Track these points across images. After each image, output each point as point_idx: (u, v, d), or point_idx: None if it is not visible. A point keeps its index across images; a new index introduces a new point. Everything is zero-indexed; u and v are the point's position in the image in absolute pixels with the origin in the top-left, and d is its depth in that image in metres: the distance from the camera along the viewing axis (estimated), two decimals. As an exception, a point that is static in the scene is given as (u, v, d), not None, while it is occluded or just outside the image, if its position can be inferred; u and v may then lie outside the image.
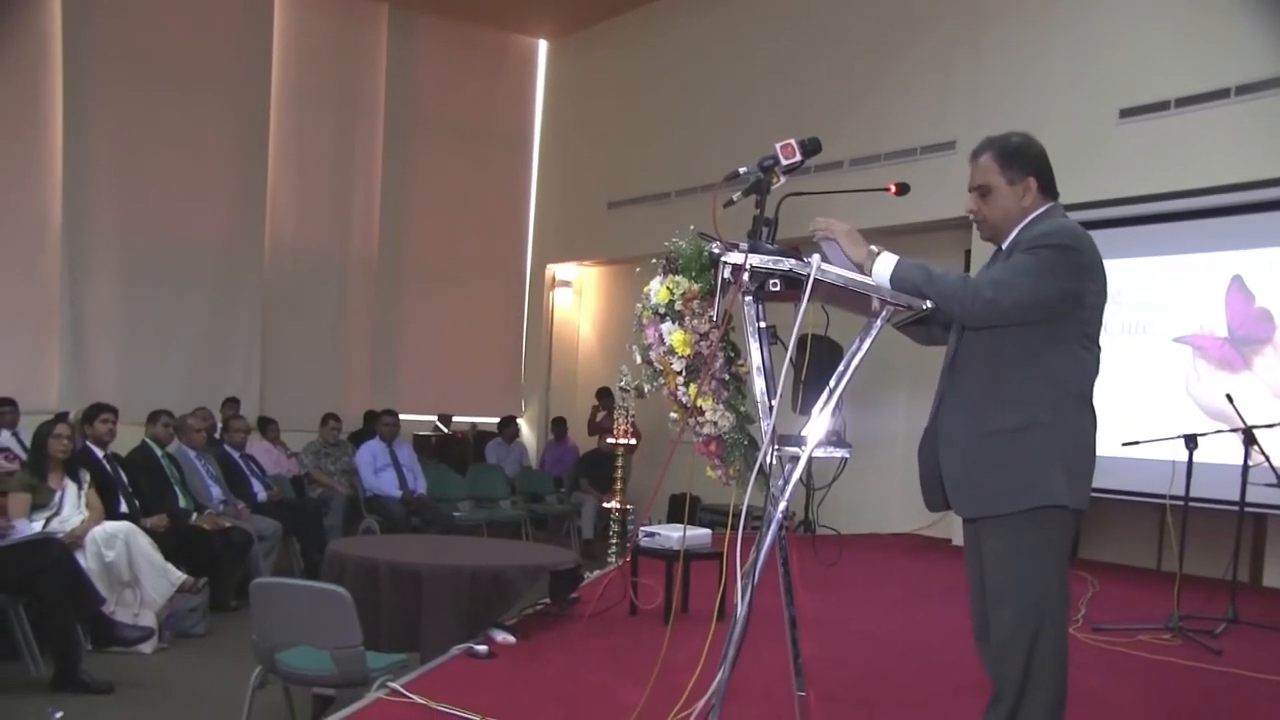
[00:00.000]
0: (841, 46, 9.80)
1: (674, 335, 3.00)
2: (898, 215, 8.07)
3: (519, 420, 12.85)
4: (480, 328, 13.13)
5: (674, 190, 11.23)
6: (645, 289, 3.11)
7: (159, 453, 7.43)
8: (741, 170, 3.00)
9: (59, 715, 4.40)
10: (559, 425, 12.20)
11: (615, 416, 7.16)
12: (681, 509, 9.58)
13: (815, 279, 2.82)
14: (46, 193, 10.34)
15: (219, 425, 9.09)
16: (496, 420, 12.29)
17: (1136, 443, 5.90)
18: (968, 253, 8.34)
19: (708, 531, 5.86)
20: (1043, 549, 2.85)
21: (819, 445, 2.92)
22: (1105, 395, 2.97)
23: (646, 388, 3.20)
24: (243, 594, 6.24)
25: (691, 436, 3.12)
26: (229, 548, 7.11)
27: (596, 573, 6.53)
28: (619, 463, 7.08)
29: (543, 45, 13.53)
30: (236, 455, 8.47)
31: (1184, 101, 7.33)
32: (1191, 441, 5.56)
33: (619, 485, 7.05)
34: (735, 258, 2.89)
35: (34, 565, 5.33)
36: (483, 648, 4.55)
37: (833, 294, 2.93)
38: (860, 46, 9.63)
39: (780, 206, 3.02)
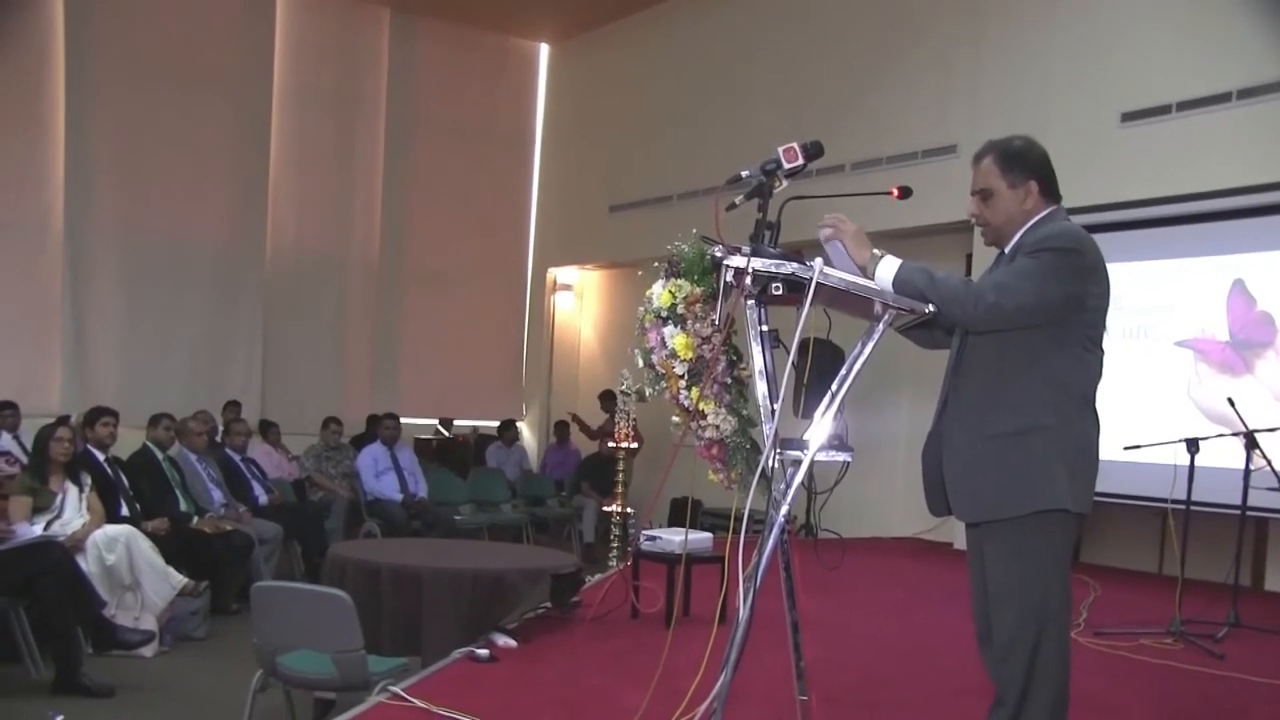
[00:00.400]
0: (842, 50, 9.80)
1: (676, 339, 3.00)
2: (899, 219, 8.04)
3: (520, 424, 12.84)
4: (481, 331, 13.12)
5: (675, 193, 11.23)
6: (648, 292, 3.11)
7: (160, 456, 7.43)
8: (744, 174, 3.00)
9: (59, 719, 4.40)
10: (561, 429, 12.20)
11: (616, 420, 7.16)
12: (683, 512, 9.60)
13: (818, 283, 2.82)
14: (48, 195, 10.34)
15: (220, 428, 9.09)
16: (497, 424, 12.28)
17: (1138, 446, 5.90)
18: (969, 256, 8.34)
19: (709, 535, 5.85)
20: (1045, 553, 2.85)
21: (821, 449, 2.92)
22: (1107, 399, 2.97)
23: (649, 391, 3.20)
24: (243, 597, 6.21)
25: (694, 440, 3.12)
26: (230, 551, 7.11)
27: (598, 576, 6.53)
28: (620, 466, 7.07)
29: (544, 48, 13.54)
30: (238, 458, 8.47)
31: (1185, 105, 7.32)
32: (1193, 445, 5.55)
33: (620, 489, 7.04)
34: (738, 261, 2.88)
35: (35, 568, 5.32)
36: (484, 651, 4.55)
37: (835, 298, 2.93)
38: (861, 50, 9.64)
39: (783, 210, 3.02)
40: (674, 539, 5.46)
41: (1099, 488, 2.93)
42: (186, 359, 11.00)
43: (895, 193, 3.19)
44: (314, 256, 11.92)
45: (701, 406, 3.02)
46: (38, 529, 5.79)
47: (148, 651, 5.81)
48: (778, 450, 2.91)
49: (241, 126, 11.35)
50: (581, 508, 10.75)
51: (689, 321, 3.00)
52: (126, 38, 10.63)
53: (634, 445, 7.14)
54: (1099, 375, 2.92)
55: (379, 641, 4.48)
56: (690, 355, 3.00)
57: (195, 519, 7.24)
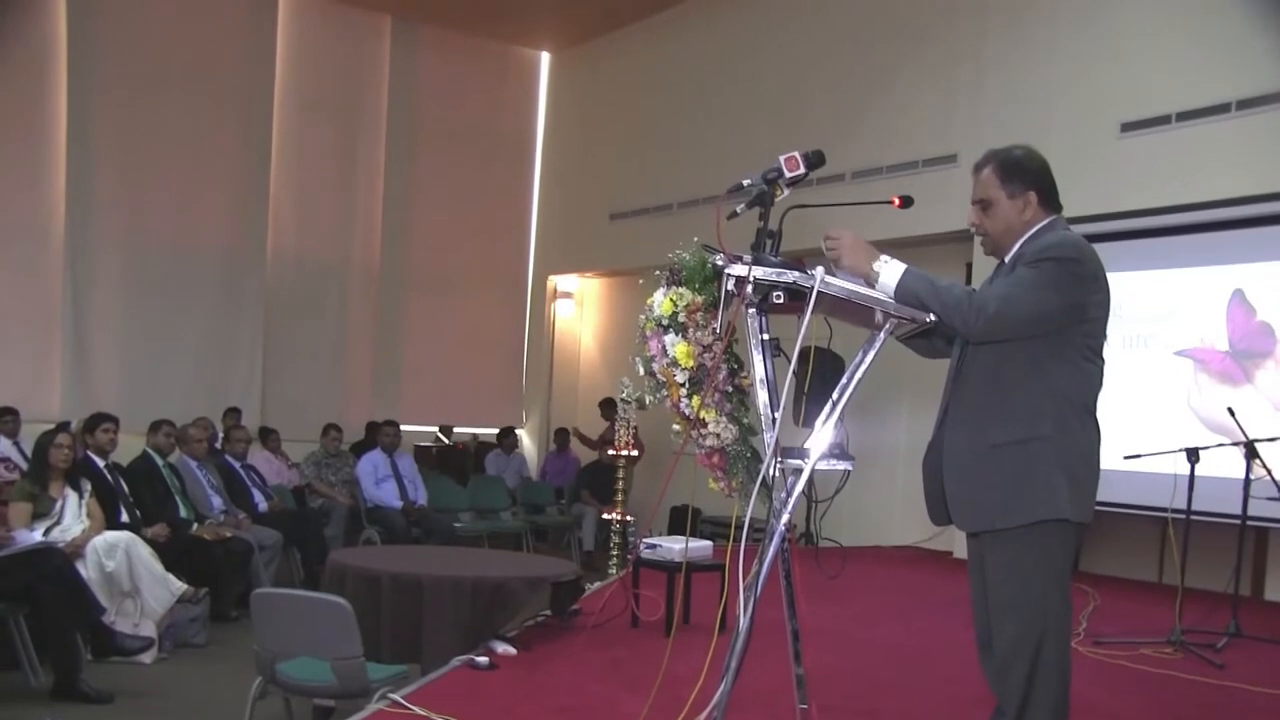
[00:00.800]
0: (843, 59, 9.82)
1: (677, 347, 3.00)
2: (899, 228, 8.10)
3: (520, 431, 12.84)
4: (481, 338, 13.13)
5: (676, 202, 11.25)
6: (649, 300, 3.11)
7: (160, 462, 7.43)
8: (745, 182, 3.01)
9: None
10: (561, 436, 12.20)
11: (617, 428, 7.16)
12: (682, 520, 9.60)
13: (819, 291, 2.83)
14: (49, 201, 10.36)
15: (220, 435, 9.09)
16: (497, 431, 12.28)
17: (1138, 456, 5.90)
18: (969, 265, 8.35)
19: (709, 543, 5.85)
20: (1045, 562, 2.85)
21: (822, 458, 2.93)
22: (1107, 408, 2.97)
23: (649, 399, 3.20)
24: (243, 604, 6.23)
25: (694, 449, 3.12)
26: (230, 558, 7.11)
27: (598, 584, 6.52)
28: (620, 474, 7.07)
29: (545, 57, 13.57)
30: (237, 465, 8.48)
31: (1185, 115, 7.34)
32: (1193, 455, 5.55)
33: (620, 497, 7.04)
34: (739, 270, 2.89)
35: (34, 574, 5.32)
36: (484, 659, 4.54)
37: (836, 306, 2.93)
38: (862, 59, 9.65)
39: (784, 219, 3.02)
40: (674, 547, 5.46)
41: (1099, 497, 2.93)
42: (187, 365, 11.00)
43: (897, 202, 3.20)
44: (315, 263, 11.93)
45: (702, 415, 3.02)
46: (37, 535, 5.80)
47: (147, 658, 5.81)
48: (779, 459, 2.91)
49: (243, 133, 11.37)
50: (581, 515, 10.75)
51: (690, 330, 3.00)
52: (128, 44, 10.65)
53: (634, 453, 7.14)
54: (1099, 385, 2.93)
55: (378, 649, 4.47)
56: (691, 363, 3.00)
57: (195, 525, 7.24)
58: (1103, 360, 2.94)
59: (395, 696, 3.90)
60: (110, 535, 6.08)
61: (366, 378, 12.32)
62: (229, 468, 8.31)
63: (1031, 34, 8.31)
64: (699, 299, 3.02)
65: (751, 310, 2.97)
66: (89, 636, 5.55)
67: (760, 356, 2.98)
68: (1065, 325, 2.84)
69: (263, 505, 8.29)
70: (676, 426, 3.13)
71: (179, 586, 6.10)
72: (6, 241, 10.16)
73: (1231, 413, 5.67)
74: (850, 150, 9.10)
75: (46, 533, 5.86)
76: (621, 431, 7.08)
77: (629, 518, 7.07)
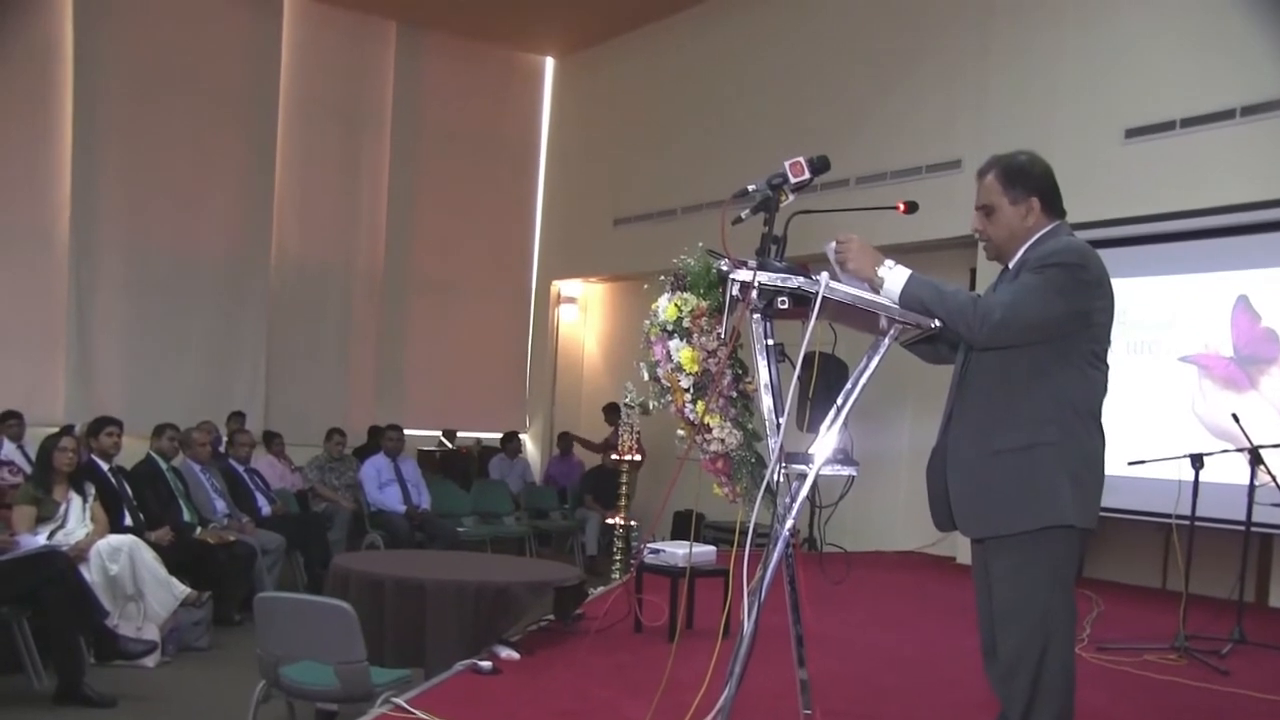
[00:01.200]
0: (847, 64, 9.83)
1: (682, 352, 3.01)
2: (903, 233, 8.07)
3: (523, 436, 12.85)
4: (485, 343, 13.13)
5: (679, 207, 11.26)
6: (653, 305, 3.11)
7: (164, 466, 7.44)
8: (750, 188, 3.01)
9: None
10: (564, 440, 12.20)
11: (620, 433, 7.16)
12: (685, 525, 9.60)
13: (823, 297, 2.83)
14: (54, 204, 10.37)
15: (224, 439, 9.10)
16: (500, 435, 12.28)
17: (1142, 461, 5.89)
18: (973, 271, 8.34)
19: (712, 549, 5.85)
20: (1049, 568, 2.85)
21: (827, 463, 2.93)
22: (1111, 414, 2.97)
23: (653, 404, 3.20)
24: (246, 608, 6.23)
25: (698, 454, 3.12)
26: (233, 561, 7.12)
27: (601, 589, 6.52)
28: (624, 479, 7.07)
29: (549, 62, 13.58)
30: (241, 469, 8.48)
31: (1190, 121, 7.33)
32: (1197, 461, 5.54)
33: (623, 502, 7.04)
34: (744, 275, 2.89)
35: (38, 578, 5.33)
36: (487, 664, 4.54)
37: (841, 312, 2.93)
38: (866, 64, 9.66)
39: (789, 224, 3.02)
40: (678, 552, 5.45)
41: (1103, 503, 2.93)
42: (191, 369, 11.02)
43: (901, 207, 3.20)
44: (319, 268, 11.95)
45: (707, 420, 3.02)
46: (41, 539, 5.80)
47: (150, 662, 5.82)
48: (783, 464, 2.91)
49: (247, 138, 11.39)
50: (584, 520, 10.75)
51: (695, 335, 3.01)
52: (133, 49, 10.67)
53: (638, 458, 7.14)
54: (1104, 391, 2.92)
55: (382, 653, 4.47)
56: (696, 369, 3.01)
57: (198, 529, 7.26)
58: (1107, 366, 2.94)
59: (398, 701, 3.89)
60: (114, 539, 6.08)
61: (370, 382, 12.33)
62: (233, 471, 8.32)
63: (1036, 40, 8.31)
64: (704, 304, 3.03)
65: (756, 315, 2.98)
66: (92, 640, 5.55)
67: (765, 362, 2.98)
68: (1070, 331, 2.84)
69: (266, 509, 8.30)
70: (681, 432, 3.14)
71: (182, 590, 6.11)
72: (11, 245, 10.17)
73: (1236, 419, 5.67)
74: (854, 155, 9.10)
75: (50, 536, 5.87)
76: (625, 436, 7.08)
77: (632, 522, 7.07)
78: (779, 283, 2.87)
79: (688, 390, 3.03)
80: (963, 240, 7.60)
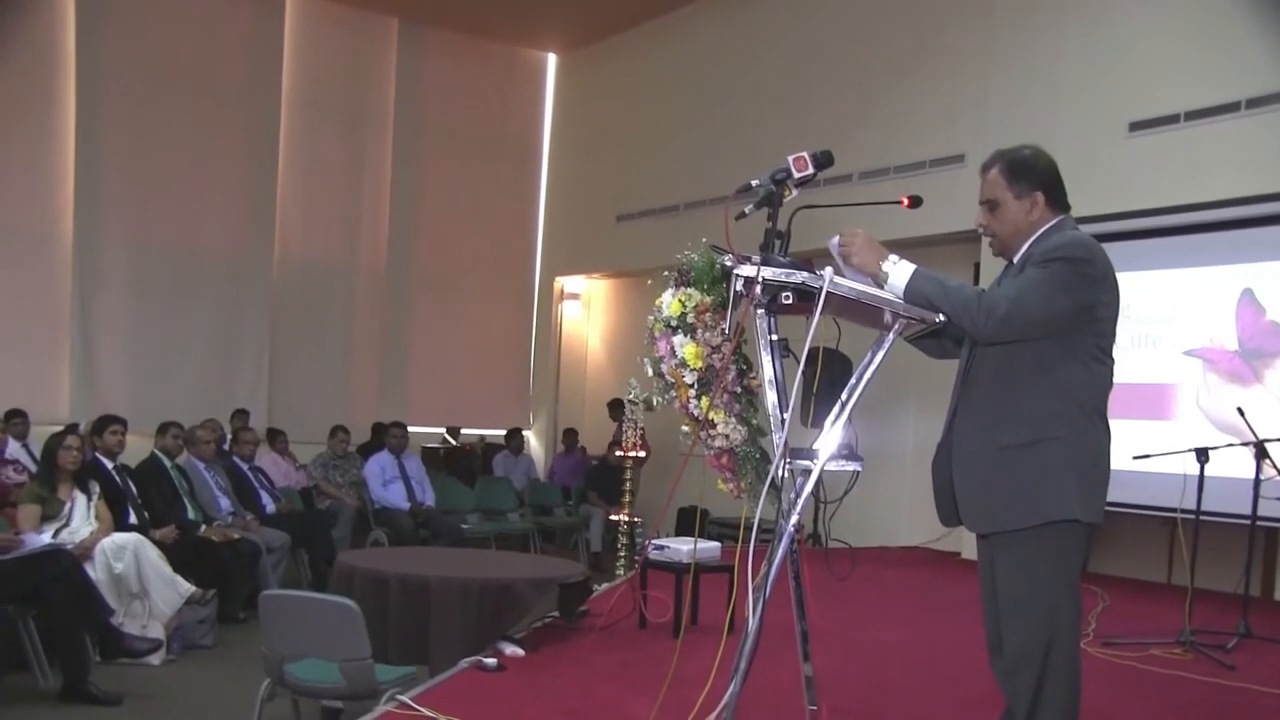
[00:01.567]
0: (850, 59, 9.81)
1: (686, 348, 3.00)
2: (906, 229, 8.09)
3: (527, 433, 12.85)
4: (488, 340, 13.14)
5: (682, 203, 11.25)
6: (657, 301, 3.11)
7: (168, 464, 7.44)
8: (754, 183, 3.00)
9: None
10: (570, 437, 12.20)
11: (625, 429, 7.16)
12: (690, 522, 9.58)
13: (828, 292, 2.82)
14: (58, 204, 10.38)
15: (228, 437, 9.10)
16: (504, 432, 12.29)
17: (1148, 456, 5.88)
18: (976, 266, 8.33)
19: (717, 545, 5.84)
20: (1055, 563, 2.84)
21: (831, 458, 2.92)
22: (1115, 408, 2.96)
23: (657, 400, 3.20)
24: (251, 606, 6.25)
25: (703, 450, 3.11)
26: (237, 559, 7.12)
27: (605, 585, 6.52)
28: (628, 475, 7.07)
29: (552, 59, 13.58)
30: (245, 467, 8.49)
31: (1194, 115, 7.31)
32: (1203, 455, 5.53)
33: (628, 498, 7.03)
34: (748, 270, 2.89)
35: (43, 576, 5.33)
36: (492, 660, 4.54)
37: (845, 307, 2.93)
38: (868, 59, 9.64)
39: (792, 219, 3.02)
40: (682, 548, 5.45)
41: (1108, 497, 2.92)
42: (195, 368, 11.03)
43: (905, 201, 3.19)
44: (322, 266, 11.95)
45: (711, 416, 3.02)
46: (46, 537, 5.81)
47: (155, 660, 5.82)
48: (787, 460, 2.90)
49: (250, 136, 11.40)
50: (589, 517, 10.76)
51: (699, 331, 3.00)
52: (136, 48, 10.68)
53: (642, 454, 7.13)
54: (1109, 385, 2.91)
55: (386, 650, 4.47)
56: (700, 364, 3.00)
57: (203, 527, 7.26)
58: (1112, 360, 2.93)
59: (403, 698, 3.89)
60: (119, 537, 6.09)
61: (374, 379, 12.34)
62: (237, 469, 8.33)
63: (1039, 33, 8.29)
64: (707, 300, 3.02)
65: (760, 311, 2.97)
66: (97, 638, 5.56)
67: (769, 357, 2.98)
68: (1075, 326, 2.83)
69: (270, 507, 8.30)
70: (685, 427, 3.13)
71: (187, 588, 6.11)
72: (15, 244, 10.18)
73: (1241, 413, 5.66)
74: (857, 151, 9.09)
75: (55, 535, 5.87)
76: (629, 433, 7.08)
77: (637, 519, 7.07)
78: (783, 278, 2.86)
79: (692, 386, 3.03)
80: (966, 235, 7.59)
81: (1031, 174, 2.94)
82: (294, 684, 3.90)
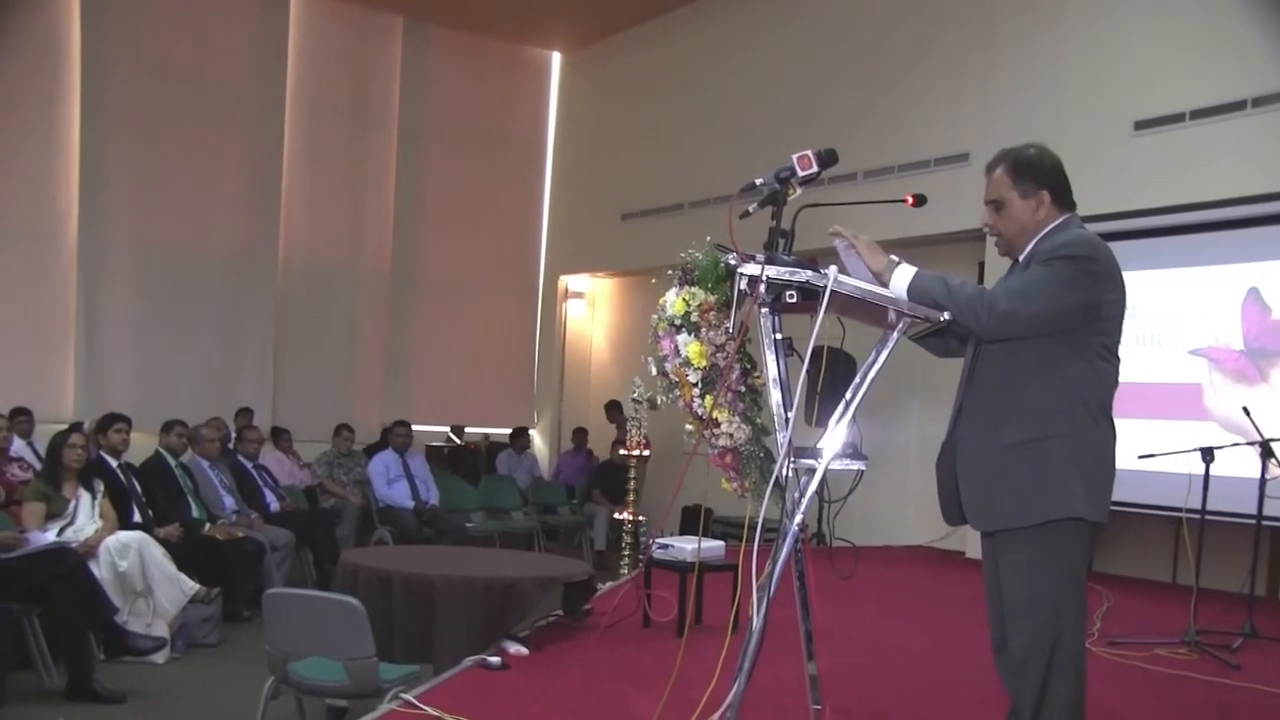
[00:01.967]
0: (854, 58, 9.80)
1: (690, 347, 3.00)
2: (911, 228, 8.08)
3: (531, 431, 12.85)
4: (493, 339, 13.14)
5: (687, 201, 11.25)
6: (661, 300, 3.11)
7: (173, 463, 7.45)
8: (758, 181, 3.00)
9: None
10: (579, 435, 12.19)
11: (628, 428, 7.15)
12: (693, 521, 9.57)
13: (832, 290, 2.82)
14: (62, 203, 10.39)
15: (233, 435, 9.11)
16: (509, 431, 12.28)
17: (1153, 455, 5.87)
18: (981, 265, 8.32)
19: (721, 544, 5.84)
20: (1060, 562, 2.83)
21: (836, 457, 2.91)
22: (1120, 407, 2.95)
23: (661, 399, 3.19)
24: (255, 604, 6.24)
25: (707, 449, 3.11)
26: (242, 558, 7.12)
27: (609, 584, 6.52)
28: (632, 474, 7.06)
29: (556, 57, 13.57)
30: (250, 465, 8.49)
31: (1199, 113, 7.30)
32: (1208, 454, 5.52)
33: (632, 497, 7.03)
34: (752, 269, 2.88)
35: (48, 575, 5.34)
36: (496, 659, 4.54)
37: (849, 305, 2.92)
38: (873, 58, 9.63)
39: (797, 218, 3.01)
40: (686, 547, 5.45)
41: (1113, 496, 2.91)
42: (199, 366, 11.03)
43: (910, 200, 3.19)
44: (326, 264, 11.95)
45: (715, 414, 3.01)
46: (50, 535, 5.81)
47: (159, 658, 5.83)
48: (792, 459, 2.90)
49: (255, 135, 11.40)
50: (593, 515, 10.75)
51: (703, 329, 3.00)
52: (141, 48, 10.68)
53: (646, 453, 7.12)
54: (1115, 384, 2.91)
55: (391, 649, 4.47)
56: (704, 363, 3.00)
57: (207, 525, 7.26)
58: (1118, 359, 2.92)
59: (408, 696, 3.90)
60: (123, 535, 6.10)
61: (378, 378, 12.35)
62: (241, 468, 8.33)
63: (1043, 32, 8.27)
64: (712, 298, 3.02)
65: (764, 310, 2.97)
66: (102, 636, 5.58)
67: (773, 356, 2.98)
68: (1079, 324, 2.82)
69: (275, 505, 8.31)
70: (689, 426, 3.13)
71: (191, 586, 6.12)
72: (20, 243, 10.19)
73: (1246, 412, 5.64)
74: (861, 149, 9.08)
75: (60, 533, 5.88)
76: (633, 432, 7.08)
77: (641, 518, 7.06)
78: (787, 276, 2.86)
79: (696, 385, 3.03)
80: (971, 234, 7.58)
81: (1037, 173, 2.93)
82: (298, 682, 3.91)
